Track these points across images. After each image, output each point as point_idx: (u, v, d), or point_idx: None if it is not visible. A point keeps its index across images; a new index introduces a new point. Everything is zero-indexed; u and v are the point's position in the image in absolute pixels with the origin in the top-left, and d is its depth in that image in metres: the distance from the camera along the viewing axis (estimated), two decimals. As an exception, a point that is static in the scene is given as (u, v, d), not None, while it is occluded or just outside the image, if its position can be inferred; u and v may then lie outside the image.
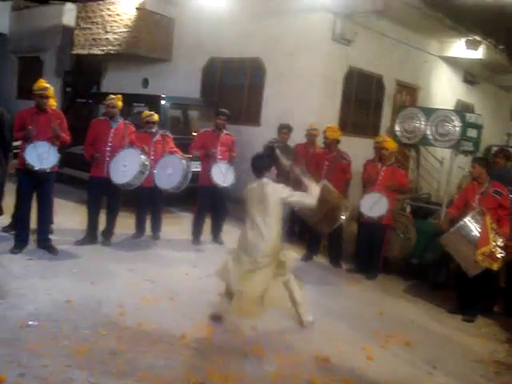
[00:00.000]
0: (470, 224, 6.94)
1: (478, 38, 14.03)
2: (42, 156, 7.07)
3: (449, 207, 8.58)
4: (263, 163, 5.71)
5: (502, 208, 7.09)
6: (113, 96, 8.23)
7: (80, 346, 4.87)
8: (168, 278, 7.03)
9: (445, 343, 6.33)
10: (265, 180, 5.61)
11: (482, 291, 7.28)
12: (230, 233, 9.52)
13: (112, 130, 8.09)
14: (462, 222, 7.01)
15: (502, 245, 6.80)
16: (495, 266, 6.83)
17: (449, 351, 6.10)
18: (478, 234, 6.82)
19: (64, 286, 6.29)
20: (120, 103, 8.20)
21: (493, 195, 7.12)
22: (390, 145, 8.39)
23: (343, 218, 8.09)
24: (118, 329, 5.36)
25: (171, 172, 8.29)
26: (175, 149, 8.73)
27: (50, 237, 7.68)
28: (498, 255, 6.77)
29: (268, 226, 5.49)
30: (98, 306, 5.85)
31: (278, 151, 8.38)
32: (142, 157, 7.95)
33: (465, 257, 6.99)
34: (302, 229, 9.83)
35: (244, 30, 12.36)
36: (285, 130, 9.36)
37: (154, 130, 8.73)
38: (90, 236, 8.20)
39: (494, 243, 6.77)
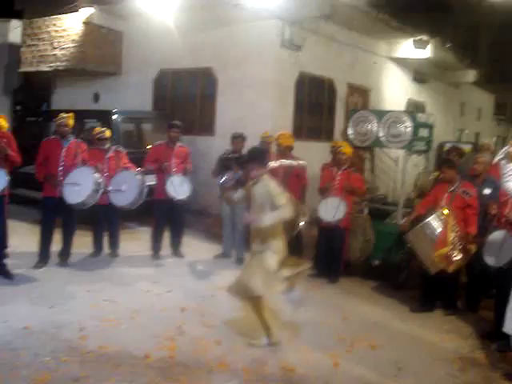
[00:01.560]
0: (433, 223, 7.02)
1: (425, 37, 14.27)
2: (-12, 180, 6.90)
3: (406, 206, 8.70)
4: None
5: (469, 208, 7.12)
6: (64, 115, 8.08)
7: (40, 374, 4.74)
8: (128, 297, 6.92)
9: (409, 343, 6.35)
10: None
11: (451, 286, 7.38)
12: (190, 245, 9.49)
13: (63, 150, 7.93)
14: (426, 221, 7.08)
15: (460, 247, 6.88)
16: (451, 269, 6.93)
17: (413, 351, 6.12)
18: (439, 235, 6.90)
19: (21, 312, 6.13)
20: (71, 122, 8.06)
21: (461, 195, 7.18)
22: (346, 149, 8.43)
23: (301, 224, 8.12)
24: (79, 354, 5.24)
25: (126, 188, 8.16)
26: (129, 164, 8.60)
27: (5, 261, 7.47)
28: (455, 258, 6.85)
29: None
30: (58, 331, 5.72)
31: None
32: (96, 175, 7.82)
33: (426, 255, 7.07)
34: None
35: (193, 41, 12.32)
36: (238, 139, 9.31)
37: (106, 147, 8.60)
38: (43, 257, 8.03)
39: (451, 246, 6.85)
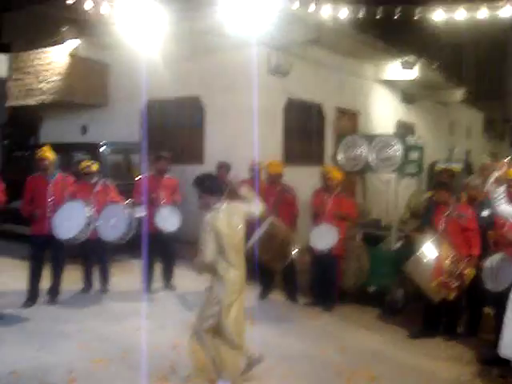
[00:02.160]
0: (428, 251, 6.92)
1: (411, 57, 14.33)
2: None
3: (400, 230, 8.60)
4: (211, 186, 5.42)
5: (468, 230, 7.02)
6: (41, 149, 8.00)
7: (27, 423, 4.57)
8: (119, 335, 6.74)
9: (409, 372, 6.20)
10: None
11: (452, 310, 7.28)
12: (182, 277, 9.32)
13: (50, 186, 7.82)
14: (422, 249, 6.97)
15: (457, 273, 6.76)
16: (451, 296, 6.80)
17: (414, 381, 5.98)
18: (435, 262, 6.80)
19: (8, 356, 5.95)
20: (49, 154, 7.94)
21: (457, 219, 7.08)
22: (336, 175, 8.35)
23: (294, 252, 8.01)
24: (68, 398, 5.07)
25: (115, 222, 8.02)
26: (117, 198, 8.47)
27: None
28: (453, 285, 6.74)
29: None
30: (46, 375, 5.54)
31: None
32: (87, 209, 7.69)
33: (426, 284, 6.95)
34: (255, 266, 9.63)
35: (180, 70, 12.29)
36: (222, 169, 9.20)
37: (94, 181, 8.49)
38: (32, 296, 7.87)
39: (448, 273, 6.74)
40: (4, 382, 5.31)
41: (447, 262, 6.77)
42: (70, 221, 7.56)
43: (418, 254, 7.01)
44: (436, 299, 6.91)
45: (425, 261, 6.91)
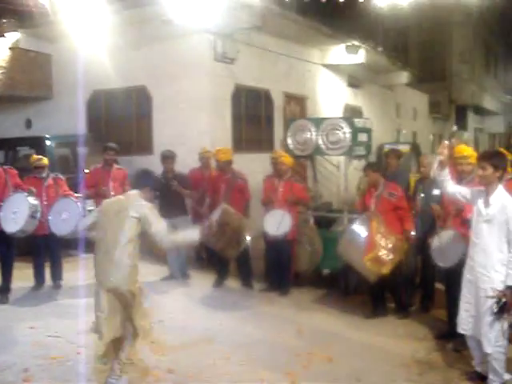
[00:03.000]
0: (357, 230, 7.04)
1: (356, 42, 14.44)
2: None
3: (351, 212, 8.68)
4: (147, 182, 5.36)
5: (399, 209, 7.20)
6: None
7: (-18, 425, 4.46)
8: (73, 331, 6.59)
9: (366, 351, 6.27)
10: (133, 192, 5.26)
11: (396, 288, 7.37)
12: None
13: None
14: (348, 229, 7.08)
15: (390, 247, 6.88)
16: (384, 270, 6.90)
17: (371, 359, 6.04)
18: (366, 240, 6.91)
19: (-41, 358, 5.78)
20: None
21: (387, 198, 7.22)
22: (286, 160, 8.36)
23: (248, 239, 8.01)
24: (23, 397, 4.96)
25: (67, 216, 7.84)
26: (69, 192, 8.31)
27: None
28: (387, 258, 6.84)
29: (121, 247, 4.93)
30: (1, 374, 5.41)
31: None
32: (30, 199, 7.51)
33: (358, 263, 7.08)
34: (209, 254, 9.63)
35: (125, 59, 12.10)
36: (168, 159, 9.03)
37: (44, 175, 8.31)
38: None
39: (380, 248, 6.85)
40: (-45, 385, 5.17)
41: (378, 236, 6.89)
42: (16, 213, 7.40)
43: (346, 234, 7.13)
44: (371, 277, 7.02)
45: (354, 239, 7.04)
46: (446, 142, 5.69)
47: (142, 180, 5.40)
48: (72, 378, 5.35)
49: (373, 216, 7.08)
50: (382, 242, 6.89)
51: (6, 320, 7.06)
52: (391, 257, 6.88)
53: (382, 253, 6.86)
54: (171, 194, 8.65)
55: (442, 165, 5.54)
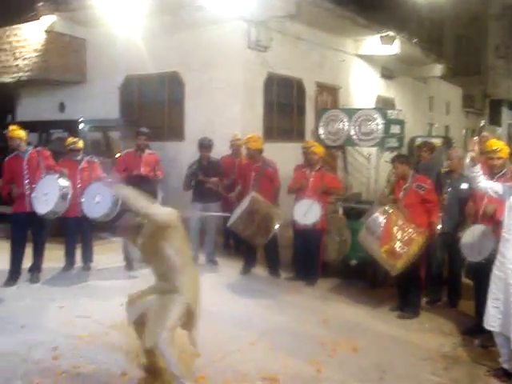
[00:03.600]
0: (376, 220, 7.00)
1: (391, 33, 14.28)
2: None
3: (381, 204, 8.61)
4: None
5: (427, 202, 7.13)
6: (10, 128, 7.92)
7: (12, 400, 4.54)
8: (102, 312, 6.69)
9: (391, 344, 6.25)
10: None
11: (417, 287, 7.28)
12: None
13: (24, 163, 7.76)
14: (369, 219, 7.04)
15: (405, 239, 6.81)
16: (399, 264, 6.80)
17: (396, 352, 6.02)
18: (383, 231, 6.88)
19: (-9, 334, 5.89)
20: (18, 132, 7.85)
21: (415, 190, 7.14)
22: (318, 150, 8.33)
23: (276, 227, 8.01)
24: (52, 375, 5.04)
25: (100, 200, 7.94)
26: (103, 175, 8.42)
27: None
28: (401, 251, 6.77)
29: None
30: (30, 352, 5.49)
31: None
32: (60, 180, 7.63)
33: (377, 254, 7.04)
34: (237, 241, 9.67)
35: (159, 45, 12.15)
36: (206, 148, 9.07)
37: (79, 158, 8.42)
38: (14, 275, 7.82)
39: (396, 240, 6.80)
40: (-13, 360, 5.27)
41: (395, 228, 6.84)
42: (47, 195, 7.54)
43: (366, 223, 7.10)
44: (389, 269, 6.96)
45: (373, 230, 6.99)
46: (476, 138, 5.62)
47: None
48: (99, 359, 5.41)
49: (393, 208, 7.03)
50: (399, 235, 6.83)
51: (37, 299, 7.16)
52: (406, 249, 6.80)
53: (398, 245, 6.80)
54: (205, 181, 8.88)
55: (473, 161, 5.48)
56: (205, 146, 9.00)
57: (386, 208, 7.05)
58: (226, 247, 10.10)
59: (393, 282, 7.85)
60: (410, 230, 6.86)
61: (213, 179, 8.86)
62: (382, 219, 6.96)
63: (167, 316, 4.56)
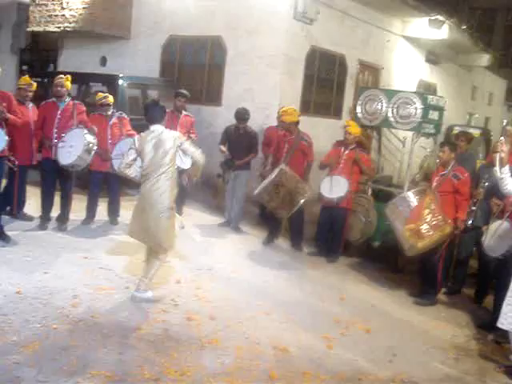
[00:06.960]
0: (409, 198, 7.04)
1: (441, 17, 13.98)
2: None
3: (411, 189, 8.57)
4: (159, 113, 5.86)
5: (459, 194, 7.07)
6: (62, 76, 7.98)
7: (30, 341, 4.66)
8: (124, 266, 6.83)
9: (405, 329, 6.29)
10: (159, 127, 5.79)
11: (435, 278, 7.26)
12: (191, 215, 9.41)
13: (59, 112, 7.83)
14: (402, 195, 7.04)
15: (434, 223, 6.78)
16: (420, 245, 6.84)
17: (409, 337, 6.06)
18: (414, 210, 6.90)
19: (15, 276, 6.01)
20: (69, 83, 7.95)
21: (451, 179, 7.09)
22: (354, 129, 8.28)
23: (302, 201, 8.02)
24: (70, 322, 5.15)
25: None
26: (132, 131, 8.38)
27: (2, 223, 7.34)
28: (427, 233, 6.76)
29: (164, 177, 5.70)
30: (51, 298, 5.62)
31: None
32: (87, 136, 7.68)
33: (399, 231, 7.09)
34: (262, 211, 9.70)
35: (205, 8, 12.09)
36: (242, 120, 9.07)
37: (109, 113, 8.44)
38: (44, 221, 7.99)
39: (424, 222, 6.80)
40: (9, 301, 5.40)
41: (426, 211, 6.85)
42: (72, 147, 7.61)
43: (396, 198, 7.10)
44: (406, 248, 7.02)
45: (403, 205, 7.05)
46: (502, 138, 5.50)
47: (150, 112, 5.84)
48: (117, 312, 5.53)
49: (430, 192, 7.01)
50: (428, 218, 6.84)
51: (61, 248, 7.27)
52: (431, 233, 6.81)
53: (425, 227, 6.82)
54: (238, 147, 8.94)
55: (502, 162, 5.38)
56: (241, 117, 9.03)
57: (423, 188, 7.05)
58: (261, 216, 10.01)
59: (413, 268, 7.86)
60: (440, 217, 6.87)
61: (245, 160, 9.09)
62: (414, 198, 6.96)
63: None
